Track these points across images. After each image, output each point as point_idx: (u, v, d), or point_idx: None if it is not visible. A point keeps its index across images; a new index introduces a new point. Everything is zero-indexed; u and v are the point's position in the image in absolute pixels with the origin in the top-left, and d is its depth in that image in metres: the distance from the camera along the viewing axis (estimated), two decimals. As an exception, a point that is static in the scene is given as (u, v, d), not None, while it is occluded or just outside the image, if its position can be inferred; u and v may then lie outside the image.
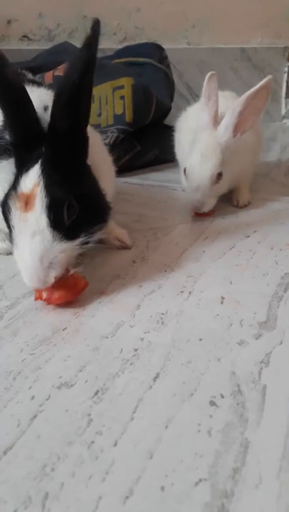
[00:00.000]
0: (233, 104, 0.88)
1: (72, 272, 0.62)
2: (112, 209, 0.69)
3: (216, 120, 0.88)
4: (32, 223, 0.58)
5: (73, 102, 0.59)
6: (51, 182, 0.59)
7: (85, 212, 0.61)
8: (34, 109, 0.61)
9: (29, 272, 0.58)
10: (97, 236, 0.65)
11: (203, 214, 0.92)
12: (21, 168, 0.61)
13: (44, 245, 0.58)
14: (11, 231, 0.60)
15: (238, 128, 0.88)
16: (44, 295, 0.61)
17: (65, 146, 0.61)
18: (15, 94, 0.60)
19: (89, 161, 0.66)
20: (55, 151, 0.60)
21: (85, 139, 0.65)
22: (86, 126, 0.64)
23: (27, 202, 0.58)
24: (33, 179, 0.59)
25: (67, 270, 0.61)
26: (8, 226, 0.61)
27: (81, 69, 0.58)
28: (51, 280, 0.59)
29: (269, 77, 0.86)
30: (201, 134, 0.89)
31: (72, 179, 0.61)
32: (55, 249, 0.59)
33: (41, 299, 0.62)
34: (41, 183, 0.58)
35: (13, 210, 0.59)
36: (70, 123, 0.60)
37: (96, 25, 0.59)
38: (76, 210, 0.60)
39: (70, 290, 0.62)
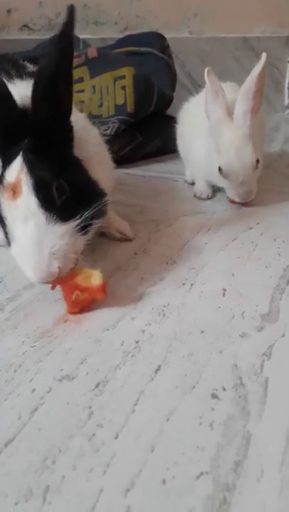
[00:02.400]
0: (238, 93, 0.87)
1: (95, 278, 0.60)
2: (107, 195, 0.67)
3: (230, 110, 0.88)
4: (22, 208, 0.56)
5: (51, 90, 0.58)
6: (35, 166, 0.58)
7: (76, 194, 0.60)
8: (16, 106, 0.59)
9: (29, 261, 0.56)
10: (95, 224, 0.63)
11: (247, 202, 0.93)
12: (6, 163, 0.60)
13: (39, 228, 0.56)
14: (4, 225, 0.59)
15: (253, 110, 0.87)
16: (63, 289, 0.59)
17: (46, 135, 0.59)
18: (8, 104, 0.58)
19: (83, 156, 0.65)
20: (38, 140, 0.59)
21: (68, 129, 0.63)
22: (69, 114, 0.62)
23: (14, 190, 0.57)
24: (16, 168, 0.58)
25: (74, 262, 0.59)
26: (2, 220, 0.59)
27: (58, 57, 0.57)
28: (55, 269, 0.56)
29: (264, 54, 0.86)
30: (222, 129, 0.88)
31: (58, 165, 0.60)
32: (53, 234, 0.56)
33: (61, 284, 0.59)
34: (25, 169, 0.57)
35: (2, 201, 0.58)
36: (49, 112, 0.59)
37: (71, 12, 0.58)
38: (66, 190, 0.59)
39: (80, 306, 0.60)
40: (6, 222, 0.58)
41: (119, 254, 0.76)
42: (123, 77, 1.24)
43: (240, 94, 0.87)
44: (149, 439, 0.41)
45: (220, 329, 0.57)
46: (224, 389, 0.47)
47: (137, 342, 0.55)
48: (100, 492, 0.37)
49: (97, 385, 0.48)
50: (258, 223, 0.87)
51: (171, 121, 1.15)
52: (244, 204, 0.93)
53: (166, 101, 1.35)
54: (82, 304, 0.60)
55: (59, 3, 1.55)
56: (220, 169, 0.89)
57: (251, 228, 0.85)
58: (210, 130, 0.91)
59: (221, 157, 0.88)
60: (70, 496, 0.37)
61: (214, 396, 0.46)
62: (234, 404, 0.45)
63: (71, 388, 0.48)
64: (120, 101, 1.23)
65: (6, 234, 0.60)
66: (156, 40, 1.41)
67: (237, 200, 0.92)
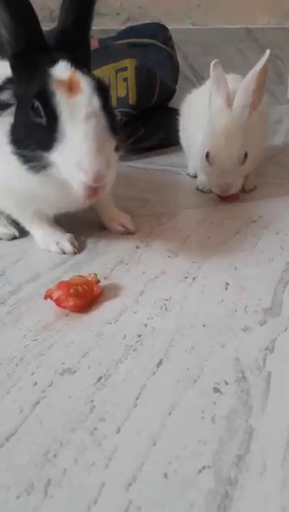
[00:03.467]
0: (242, 85, 0.87)
1: (89, 277, 0.61)
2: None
3: (230, 101, 0.87)
4: (84, 105, 0.55)
5: (83, 11, 0.62)
6: (86, 71, 0.58)
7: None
8: (40, 24, 0.62)
9: (89, 154, 0.54)
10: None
11: (229, 197, 0.91)
12: (35, 67, 0.59)
13: (101, 128, 0.56)
14: (55, 121, 0.56)
15: (252, 105, 0.87)
16: (55, 296, 0.58)
17: (74, 56, 0.61)
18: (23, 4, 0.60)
19: None
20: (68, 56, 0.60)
21: (88, 56, 0.66)
22: (89, 41, 0.66)
23: (71, 87, 0.56)
24: (66, 68, 0.58)
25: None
26: (49, 116, 0.56)
27: None
28: (109, 176, 0.55)
29: (268, 51, 0.86)
30: (219, 116, 0.88)
31: None
32: (110, 141, 0.57)
33: (51, 298, 0.58)
34: (77, 71, 0.57)
35: (58, 94, 0.56)
36: (76, 28, 0.62)
37: None
38: (111, 104, 0.60)
39: (83, 299, 0.59)
40: (60, 116, 0.56)
41: (121, 247, 0.76)
42: (125, 68, 1.23)
43: (241, 87, 0.87)
44: (151, 433, 0.41)
45: (222, 323, 0.56)
46: (226, 383, 0.47)
47: (139, 336, 0.54)
48: (101, 486, 0.37)
49: (99, 379, 0.48)
50: (260, 216, 0.86)
51: (174, 113, 1.14)
52: (224, 198, 0.92)
53: (169, 93, 1.34)
54: (84, 296, 0.59)
55: (60, -6, 1.53)
56: (207, 155, 0.88)
57: (254, 221, 0.84)
58: (209, 119, 0.90)
59: (211, 142, 0.88)
60: (71, 490, 0.37)
61: (216, 390, 0.46)
62: (236, 399, 0.45)
63: (73, 382, 0.48)
64: (122, 93, 1.22)
65: (49, 132, 0.56)
66: (159, 31, 1.40)
67: (215, 191, 0.90)
